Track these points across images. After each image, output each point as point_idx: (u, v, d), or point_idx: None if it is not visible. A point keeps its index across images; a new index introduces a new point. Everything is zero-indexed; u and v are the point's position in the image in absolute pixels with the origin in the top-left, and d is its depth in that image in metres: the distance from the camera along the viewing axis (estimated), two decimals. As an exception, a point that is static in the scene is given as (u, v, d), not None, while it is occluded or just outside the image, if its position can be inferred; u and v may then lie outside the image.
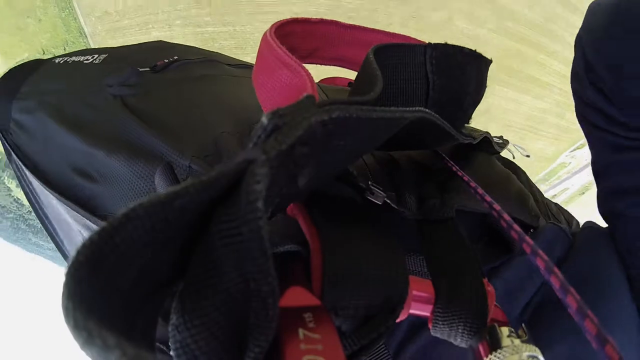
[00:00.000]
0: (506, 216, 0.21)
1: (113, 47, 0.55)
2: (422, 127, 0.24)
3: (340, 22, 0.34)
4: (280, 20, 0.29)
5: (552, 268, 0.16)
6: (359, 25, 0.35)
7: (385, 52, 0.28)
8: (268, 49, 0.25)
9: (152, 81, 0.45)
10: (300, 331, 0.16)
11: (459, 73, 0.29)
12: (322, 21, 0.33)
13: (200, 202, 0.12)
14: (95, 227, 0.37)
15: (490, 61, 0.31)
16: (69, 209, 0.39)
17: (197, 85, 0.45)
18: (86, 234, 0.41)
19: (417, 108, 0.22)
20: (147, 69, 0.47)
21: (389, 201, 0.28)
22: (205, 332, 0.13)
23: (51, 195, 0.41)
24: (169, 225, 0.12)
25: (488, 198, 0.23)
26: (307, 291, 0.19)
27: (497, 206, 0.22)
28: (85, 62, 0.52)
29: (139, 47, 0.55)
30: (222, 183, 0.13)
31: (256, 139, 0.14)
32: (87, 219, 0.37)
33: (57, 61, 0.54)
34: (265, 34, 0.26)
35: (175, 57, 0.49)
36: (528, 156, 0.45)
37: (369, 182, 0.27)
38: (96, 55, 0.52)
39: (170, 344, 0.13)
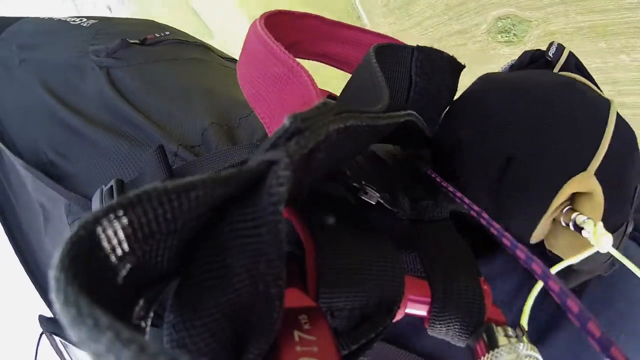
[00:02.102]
0: (495, 224, 0.21)
1: (103, 17, 0.54)
2: (402, 127, 0.24)
3: (325, 17, 0.34)
4: (268, 12, 0.29)
5: (548, 273, 0.16)
6: (343, 23, 0.35)
7: (381, 54, 0.28)
8: (261, 42, 0.24)
9: (141, 55, 0.44)
10: (296, 333, 0.15)
11: (439, 77, 0.30)
12: (306, 15, 0.33)
13: (216, 197, 0.12)
14: (56, 194, 0.35)
15: (464, 66, 0.31)
16: (32, 177, 0.37)
17: (188, 67, 0.44)
18: (47, 204, 0.39)
19: (408, 111, 0.22)
20: (137, 41, 0.45)
21: (382, 201, 0.27)
22: (206, 332, 0.13)
23: (14, 161, 0.38)
24: (180, 216, 0.11)
25: (476, 208, 0.23)
26: (302, 293, 0.18)
27: (485, 215, 0.22)
28: (72, 22, 0.50)
29: (130, 20, 0.54)
30: (241, 181, 0.12)
31: (275, 139, 0.14)
32: (52, 188, 0.35)
33: (41, 17, 0.52)
34: (254, 26, 0.26)
35: (167, 33, 0.48)
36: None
37: (363, 183, 0.27)
38: (85, 19, 0.50)
39: (165, 342, 0.13)
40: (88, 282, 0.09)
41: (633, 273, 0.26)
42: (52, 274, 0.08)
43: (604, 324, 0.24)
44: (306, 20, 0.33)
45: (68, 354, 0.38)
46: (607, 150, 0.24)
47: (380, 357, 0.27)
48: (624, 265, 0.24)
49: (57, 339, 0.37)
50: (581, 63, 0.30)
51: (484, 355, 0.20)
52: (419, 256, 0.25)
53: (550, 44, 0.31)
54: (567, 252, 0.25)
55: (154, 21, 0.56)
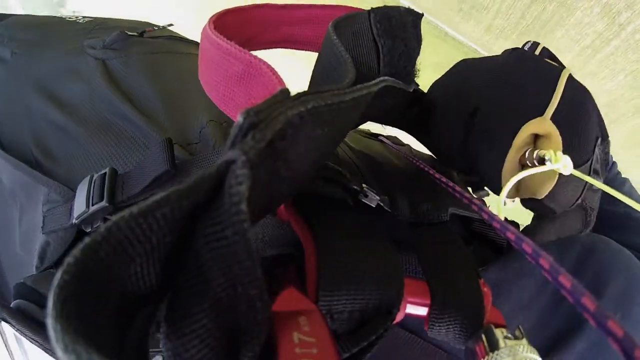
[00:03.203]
0: (486, 209, 0.21)
1: (99, 17, 0.53)
2: (382, 94, 0.24)
3: (272, 4, 0.34)
4: (216, 14, 0.29)
5: (539, 251, 0.16)
6: (292, 4, 0.35)
7: (341, 28, 0.28)
8: (215, 46, 0.24)
9: (140, 46, 0.43)
10: (295, 335, 0.15)
11: (402, 32, 0.29)
12: (255, 7, 0.33)
13: (183, 209, 0.12)
14: (33, 183, 0.35)
15: (422, 15, 0.32)
16: (10, 166, 0.36)
17: (187, 62, 0.43)
18: (22, 196, 0.38)
19: (380, 79, 0.22)
20: (135, 34, 0.44)
21: (382, 204, 0.28)
22: (196, 339, 0.13)
23: None
24: (153, 235, 0.12)
25: (467, 195, 0.23)
26: (301, 295, 0.18)
27: (477, 201, 0.22)
28: (68, 19, 0.49)
29: (127, 19, 0.54)
30: (203, 188, 0.12)
31: (233, 138, 0.14)
32: (30, 175, 0.34)
33: (36, 14, 0.52)
34: (204, 30, 0.26)
35: (164, 26, 0.48)
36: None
37: (363, 185, 0.27)
38: (81, 17, 0.50)
39: (163, 352, 0.13)
40: (83, 323, 0.09)
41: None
42: (49, 324, 0.09)
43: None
44: (255, 11, 0.33)
45: (18, 345, 0.37)
46: (561, 100, 0.29)
47: (396, 347, 0.27)
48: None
49: (7, 327, 0.36)
50: (553, 54, 0.36)
51: (483, 358, 0.20)
52: (419, 258, 0.25)
53: (525, 43, 0.36)
54: (539, 189, 0.29)
55: (149, 22, 0.55)
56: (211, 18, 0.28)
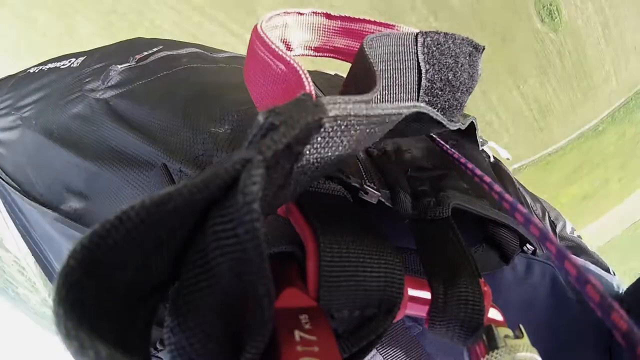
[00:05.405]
0: (497, 187, 0.21)
1: (91, 49, 0.53)
2: (415, 119, 0.24)
3: (330, 13, 0.33)
4: (270, 13, 0.29)
5: (547, 235, 0.16)
6: (349, 16, 0.34)
7: (378, 43, 0.27)
8: (260, 43, 0.24)
9: (135, 76, 0.44)
10: (297, 333, 0.15)
11: (452, 61, 0.28)
12: (312, 13, 0.33)
13: (194, 203, 0.12)
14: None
15: (484, 48, 0.30)
16: (56, 222, 0.37)
17: (183, 77, 0.44)
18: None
19: (412, 104, 0.21)
20: (128, 64, 0.45)
21: (383, 200, 0.27)
22: (201, 333, 0.13)
23: (36, 211, 0.39)
24: (162, 228, 0.12)
25: (487, 179, 0.22)
26: (302, 293, 0.18)
27: (497, 187, 0.21)
28: (62, 67, 0.50)
29: (118, 45, 0.54)
30: (217, 184, 0.12)
31: (252, 137, 0.14)
32: (76, 230, 0.36)
33: (32, 71, 0.52)
34: (255, 28, 0.26)
35: (161, 47, 0.48)
36: (508, 159, 0.45)
37: (363, 182, 0.27)
38: (73, 60, 0.50)
39: (165, 346, 0.13)
40: (87, 310, 0.09)
41: None
42: (52, 309, 0.09)
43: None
44: (312, 18, 0.33)
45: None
46: None
47: None
48: None
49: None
50: None
51: (483, 357, 0.20)
52: (420, 256, 0.25)
53: None
54: None
55: (142, 38, 0.55)
56: (265, 16, 0.28)
